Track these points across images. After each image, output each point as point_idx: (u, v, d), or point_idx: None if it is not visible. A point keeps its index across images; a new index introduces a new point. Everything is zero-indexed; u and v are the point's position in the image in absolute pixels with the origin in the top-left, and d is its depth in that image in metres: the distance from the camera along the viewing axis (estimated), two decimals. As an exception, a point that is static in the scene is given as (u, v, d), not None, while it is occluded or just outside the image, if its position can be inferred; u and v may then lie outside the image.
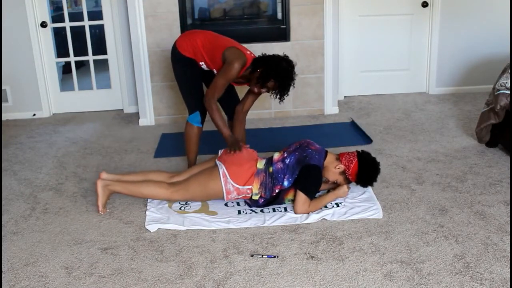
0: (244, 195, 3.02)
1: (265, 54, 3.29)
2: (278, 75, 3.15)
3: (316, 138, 4.24)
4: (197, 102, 3.40)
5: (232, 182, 2.97)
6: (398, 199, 3.14)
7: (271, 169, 3.01)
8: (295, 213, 2.95)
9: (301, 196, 2.92)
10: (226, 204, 3.13)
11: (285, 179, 2.96)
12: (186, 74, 3.39)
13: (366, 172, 2.98)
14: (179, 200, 3.12)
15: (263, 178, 3.00)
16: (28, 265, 2.55)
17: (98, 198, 3.05)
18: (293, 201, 3.01)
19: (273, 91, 3.24)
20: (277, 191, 2.98)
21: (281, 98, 3.25)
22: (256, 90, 3.29)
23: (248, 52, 3.31)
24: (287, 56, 3.26)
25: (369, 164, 3.00)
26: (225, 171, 2.98)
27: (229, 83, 3.32)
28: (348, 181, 3.06)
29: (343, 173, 3.01)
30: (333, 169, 3.01)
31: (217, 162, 3.07)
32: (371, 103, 5.29)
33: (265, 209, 3.03)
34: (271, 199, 3.02)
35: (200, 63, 3.36)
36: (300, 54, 4.75)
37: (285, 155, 3.03)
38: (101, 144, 4.34)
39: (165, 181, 3.14)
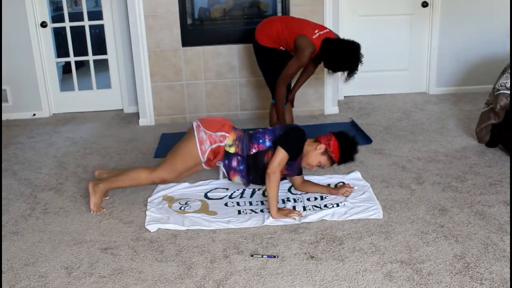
0: (217, 144, 2.98)
1: (332, 37, 3.68)
2: (346, 64, 3.58)
3: (316, 138, 4.27)
4: None
5: (205, 129, 3.00)
6: (398, 199, 3.14)
7: (251, 132, 3.09)
8: (268, 169, 2.88)
9: (281, 153, 2.89)
10: (226, 204, 3.13)
11: (266, 140, 2.98)
12: (268, 62, 3.90)
13: (346, 145, 2.98)
14: (161, 179, 3.09)
15: (241, 134, 3.04)
16: (28, 265, 2.55)
17: (90, 200, 3.09)
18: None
19: (343, 74, 3.67)
20: (254, 150, 2.97)
21: (348, 79, 3.69)
22: (326, 69, 3.76)
23: (316, 35, 3.65)
24: (354, 42, 3.60)
25: (347, 138, 3.01)
26: (198, 122, 3.06)
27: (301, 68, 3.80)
28: (331, 162, 3.00)
29: (325, 152, 2.98)
30: (314, 151, 2.99)
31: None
32: (371, 103, 5.29)
33: (265, 209, 3.03)
34: (250, 162, 2.97)
35: (280, 48, 3.85)
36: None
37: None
38: (101, 144, 4.34)
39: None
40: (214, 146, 2.99)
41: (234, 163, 3.00)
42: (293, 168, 3.07)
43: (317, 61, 3.88)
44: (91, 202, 3.08)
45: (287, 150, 2.89)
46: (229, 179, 3.10)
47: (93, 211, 3.07)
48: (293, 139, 2.96)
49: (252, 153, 2.97)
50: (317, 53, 3.66)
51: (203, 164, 3.10)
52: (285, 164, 2.93)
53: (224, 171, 3.08)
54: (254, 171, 3.00)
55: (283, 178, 3.09)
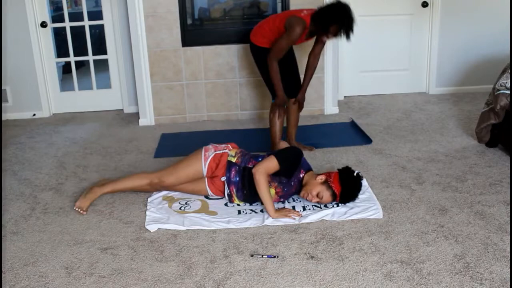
0: (221, 151, 3.12)
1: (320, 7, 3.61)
2: (335, 19, 3.48)
3: (316, 138, 4.26)
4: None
5: (210, 146, 3.18)
6: (398, 199, 3.14)
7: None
8: (253, 170, 2.93)
9: (271, 159, 2.95)
10: (226, 204, 3.13)
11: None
12: (266, 63, 3.75)
13: (348, 178, 2.96)
14: (159, 179, 3.13)
15: (245, 152, 3.18)
16: (28, 265, 2.55)
17: (80, 197, 3.15)
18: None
19: (340, 34, 3.54)
20: (251, 165, 3.04)
21: (349, 37, 3.54)
22: (325, 39, 3.68)
23: (305, 12, 3.60)
24: (339, 2, 3.53)
25: (350, 173, 3.00)
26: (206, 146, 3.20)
27: (292, 44, 3.68)
28: (332, 193, 2.95)
29: (325, 182, 2.97)
30: (314, 180, 3.00)
31: None
32: (371, 103, 5.30)
33: (265, 209, 3.03)
34: (246, 174, 3.02)
35: None
36: (300, 54, 4.74)
37: None
38: (101, 144, 4.35)
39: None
40: (217, 152, 3.11)
41: (233, 173, 3.07)
42: (289, 189, 3.06)
43: (317, 40, 3.82)
44: (80, 200, 3.11)
45: (279, 160, 2.95)
46: (231, 201, 3.14)
47: (77, 207, 3.08)
48: (288, 154, 3.04)
49: (249, 165, 3.04)
50: (309, 29, 3.59)
51: (206, 187, 3.15)
52: (271, 171, 2.95)
53: (227, 191, 3.11)
54: (249, 185, 3.02)
55: (280, 201, 3.13)
